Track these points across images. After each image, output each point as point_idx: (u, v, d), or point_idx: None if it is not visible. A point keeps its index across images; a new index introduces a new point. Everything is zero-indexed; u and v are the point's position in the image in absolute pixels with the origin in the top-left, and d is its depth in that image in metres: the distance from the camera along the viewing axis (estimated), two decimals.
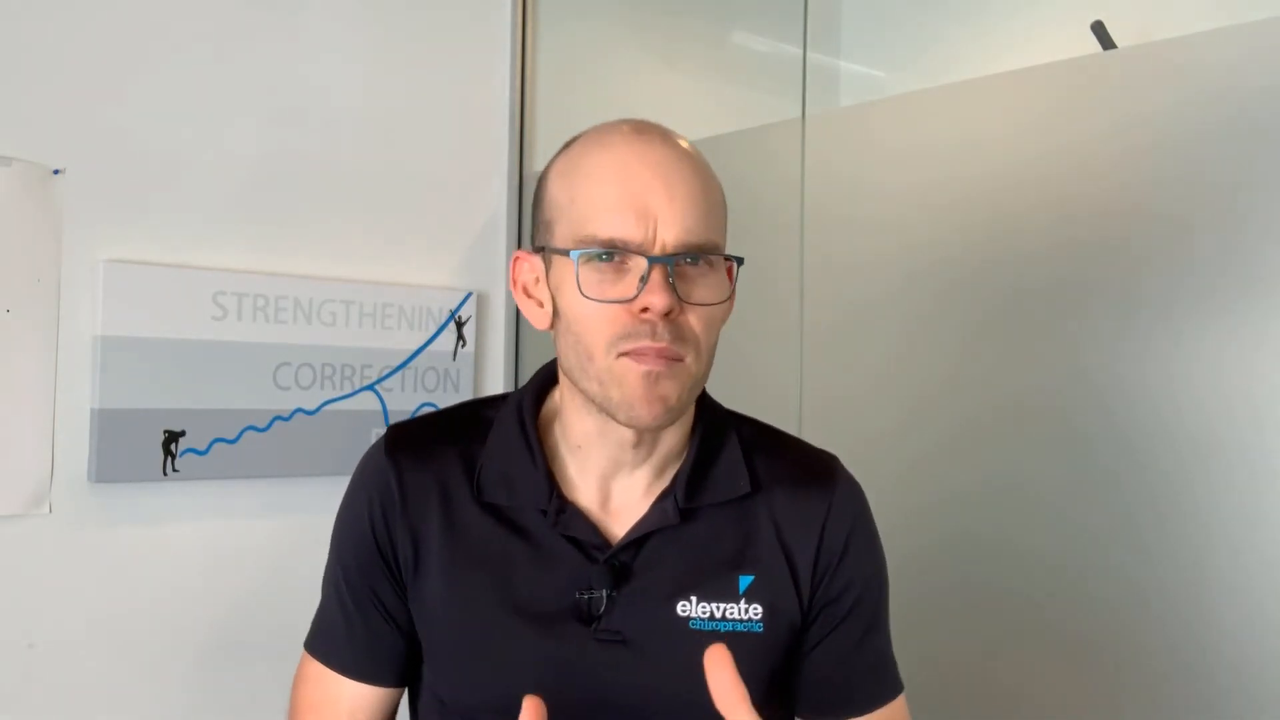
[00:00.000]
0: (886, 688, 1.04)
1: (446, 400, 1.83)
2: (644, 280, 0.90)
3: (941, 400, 1.48)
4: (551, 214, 0.97)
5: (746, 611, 0.98)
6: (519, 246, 1.05)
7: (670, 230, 0.91)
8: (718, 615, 0.98)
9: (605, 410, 0.94)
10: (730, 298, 0.99)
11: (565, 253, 0.93)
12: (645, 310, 0.90)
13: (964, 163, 1.47)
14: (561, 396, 1.02)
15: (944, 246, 1.49)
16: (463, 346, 1.86)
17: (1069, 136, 1.37)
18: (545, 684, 0.97)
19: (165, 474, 1.53)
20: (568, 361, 0.97)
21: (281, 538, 1.67)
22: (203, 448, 1.57)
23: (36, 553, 1.45)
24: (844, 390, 1.59)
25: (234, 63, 1.63)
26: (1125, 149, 1.32)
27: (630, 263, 0.91)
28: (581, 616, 0.97)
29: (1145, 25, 1.75)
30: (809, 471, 1.05)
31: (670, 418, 0.94)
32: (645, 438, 0.98)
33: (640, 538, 0.99)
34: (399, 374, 1.78)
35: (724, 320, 1.00)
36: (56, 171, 1.46)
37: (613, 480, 1.01)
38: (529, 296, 1.01)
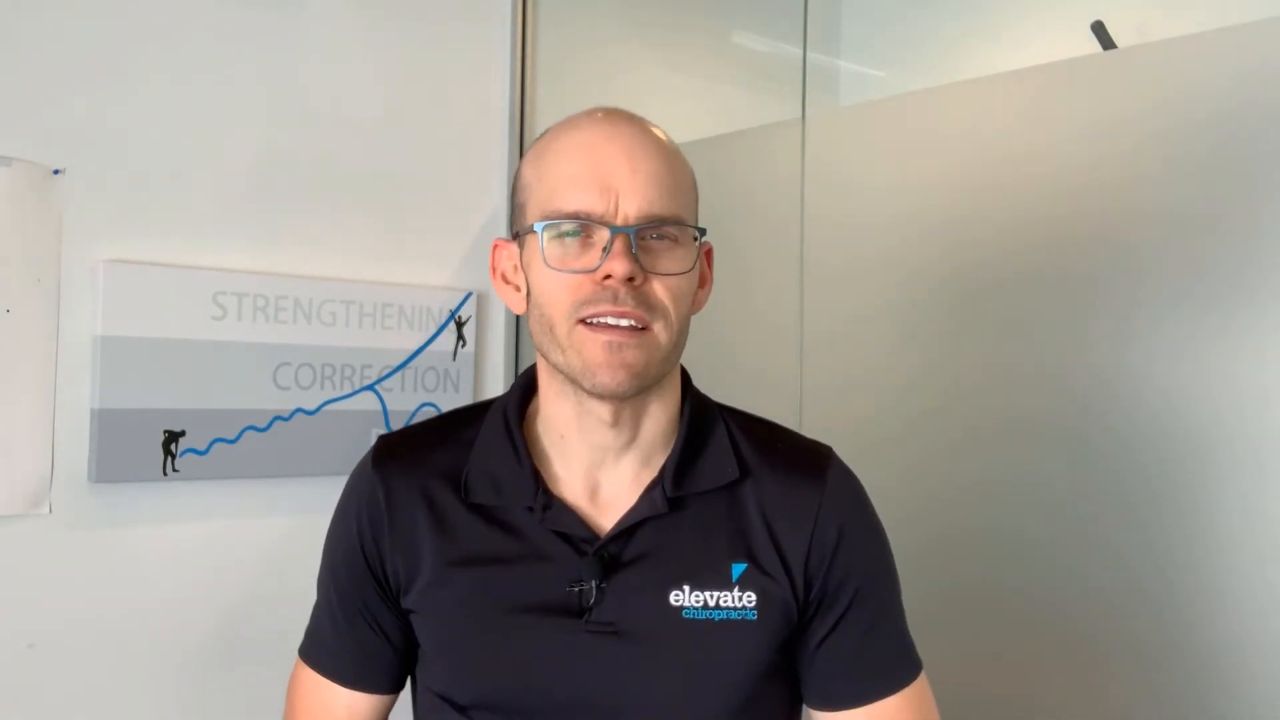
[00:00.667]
0: (902, 672, 1.04)
1: (446, 400, 1.83)
2: (606, 250, 0.93)
3: (942, 399, 1.48)
4: (523, 196, 1.00)
5: (740, 600, 0.98)
6: (509, 222, 1.06)
7: (632, 202, 0.94)
8: (711, 604, 0.98)
9: (574, 380, 0.96)
10: (701, 277, 1.01)
11: (533, 229, 0.96)
12: (608, 278, 0.92)
13: (964, 162, 1.48)
14: (540, 384, 1.03)
15: (944, 246, 1.49)
16: (463, 346, 1.86)
17: (1069, 136, 1.37)
18: (539, 678, 0.98)
19: (165, 474, 1.53)
20: (537, 337, 0.99)
21: (281, 538, 1.67)
22: (203, 448, 1.57)
23: (36, 553, 1.45)
24: (844, 389, 1.59)
25: (234, 63, 1.63)
26: (1125, 148, 1.32)
27: (595, 236, 0.94)
28: (573, 610, 0.98)
29: (1145, 25, 1.75)
30: (801, 461, 1.05)
31: (637, 384, 0.95)
32: (623, 418, 0.99)
33: (629, 528, 0.99)
34: (399, 374, 1.78)
35: (698, 301, 1.02)
36: (56, 171, 1.46)
37: (599, 471, 1.01)
38: (507, 283, 1.04)
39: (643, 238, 0.94)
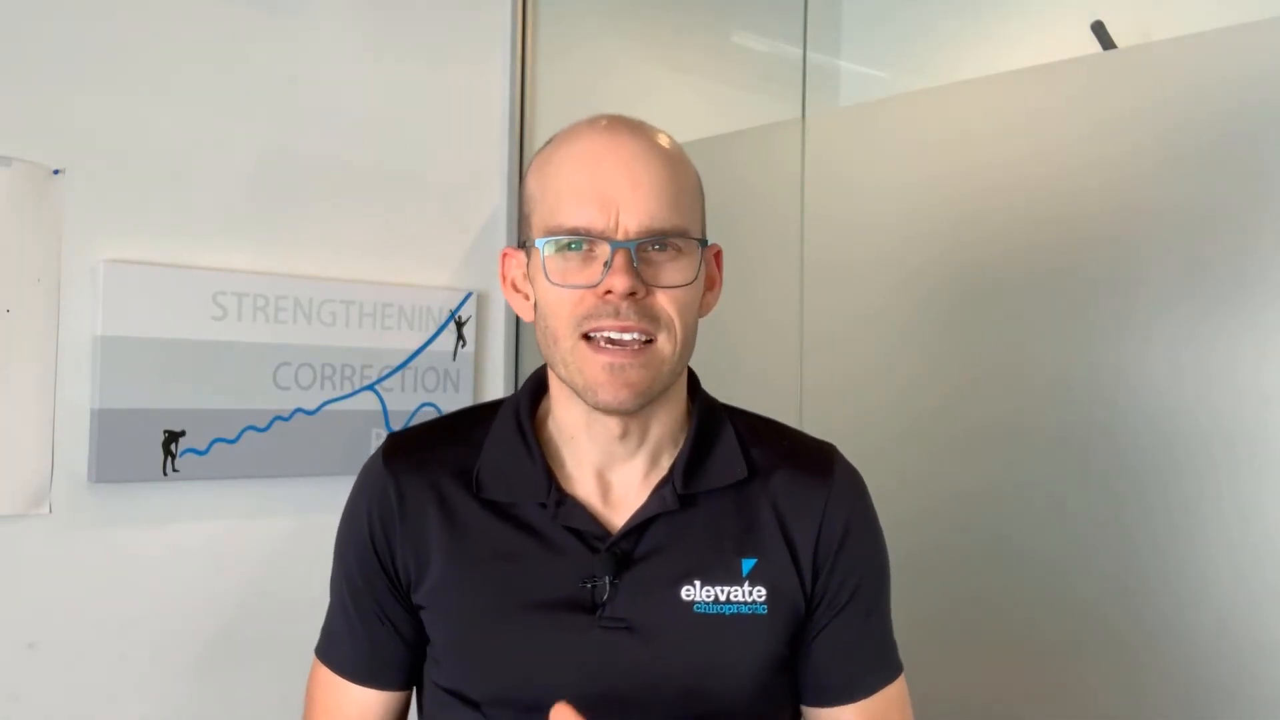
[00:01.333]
0: (887, 671, 1.05)
1: (446, 400, 1.83)
2: (608, 265, 0.93)
3: (941, 399, 1.48)
4: (528, 207, 1.01)
5: (750, 594, 0.99)
6: (518, 230, 1.07)
7: (633, 217, 0.94)
8: (722, 599, 0.99)
9: (578, 394, 0.97)
10: (709, 279, 1.02)
11: (536, 244, 0.97)
12: (609, 293, 0.93)
13: (964, 162, 1.48)
14: (551, 388, 1.05)
15: (944, 246, 1.49)
16: (463, 346, 1.86)
17: (1069, 136, 1.37)
18: (552, 674, 0.98)
19: (165, 474, 1.53)
20: (544, 349, 1.00)
21: (282, 538, 1.67)
22: (203, 448, 1.57)
23: (36, 553, 1.45)
24: (844, 390, 1.59)
25: (234, 63, 1.63)
26: (1125, 149, 1.32)
27: (597, 250, 0.94)
28: (586, 606, 0.98)
29: (1145, 25, 1.75)
30: (807, 459, 1.06)
31: (640, 401, 0.96)
32: (632, 427, 1.00)
33: (640, 525, 1.00)
34: (399, 374, 1.78)
35: (706, 304, 1.03)
36: (56, 171, 1.46)
37: (609, 472, 1.02)
38: (516, 291, 1.05)
39: (643, 250, 0.94)
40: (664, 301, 0.95)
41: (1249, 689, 1.20)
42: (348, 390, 1.72)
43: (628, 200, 0.94)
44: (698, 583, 0.99)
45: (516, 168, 1.94)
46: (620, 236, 0.93)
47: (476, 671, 1.01)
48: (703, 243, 0.99)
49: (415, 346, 1.80)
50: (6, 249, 1.42)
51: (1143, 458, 1.28)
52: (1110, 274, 1.32)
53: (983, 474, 1.43)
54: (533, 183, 1.01)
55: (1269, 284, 1.19)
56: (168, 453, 1.53)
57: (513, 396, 1.09)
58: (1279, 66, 1.20)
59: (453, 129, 1.88)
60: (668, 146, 1.00)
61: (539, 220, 0.98)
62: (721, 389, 1.10)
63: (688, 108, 2.25)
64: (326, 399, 1.69)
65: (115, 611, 1.51)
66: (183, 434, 1.55)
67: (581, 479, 1.02)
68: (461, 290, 1.86)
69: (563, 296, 0.95)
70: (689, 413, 1.05)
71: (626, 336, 0.93)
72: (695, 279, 0.97)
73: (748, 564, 1.00)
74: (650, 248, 0.95)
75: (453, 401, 1.84)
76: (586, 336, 0.94)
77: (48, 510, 1.46)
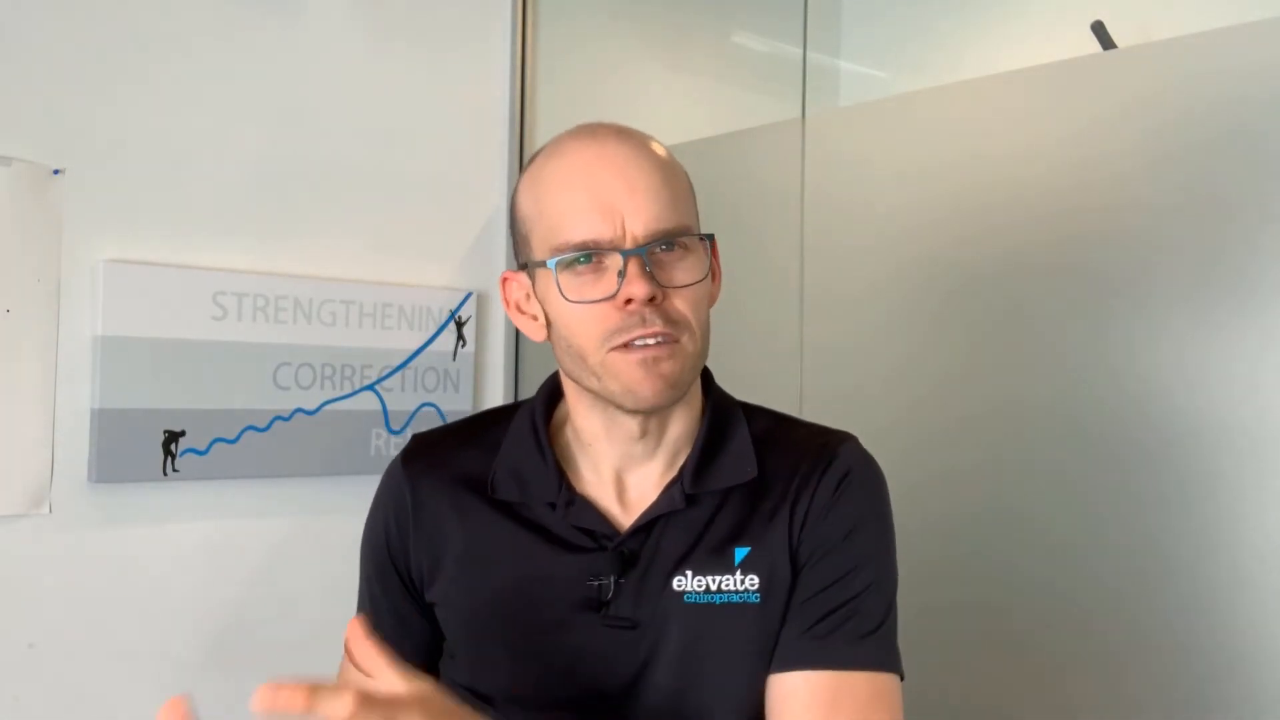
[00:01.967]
0: (860, 655, 0.96)
1: (446, 400, 1.83)
2: (622, 274, 0.93)
3: (941, 400, 1.48)
4: (525, 229, 1.01)
5: (743, 582, 0.99)
6: (514, 251, 1.07)
7: (638, 222, 0.94)
8: (712, 587, 0.99)
9: (610, 402, 0.97)
10: (715, 275, 1.02)
11: (544, 264, 0.97)
12: (629, 302, 0.93)
13: (964, 162, 1.48)
14: (568, 398, 1.05)
15: (944, 246, 1.49)
16: (463, 346, 1.86)
17: (1069, 136, 1.37)
18: (560, 673, 0.99)
19: (165, 474, 1.53)
20: (566, 366, 1.00)
21: (281, 538, 1.67)
22: (203, 448, 1.57)
23: (36, 553, 1.45)
24: (844, 389, 1.59)
25: (234, 63, 1.63)
26: (1125, 148, 1.32)
27: (607, 261, 0.94)
28: (593, 604, 0.99)
29: (1145, 25, 1.75)
30: (817, 448, 1.04)
31: (675, 395, 0.96)
32: (651, 427, 1.01)
33: (647, 524, 1.00)
34: (399, 374, 1.78)
35: (714, 297, 1.03)
36: (56, 171, 1.46)
37: (627, 474, 1.03)
38: (522, 313, 1.05)
39: (653, 253, 0.94)
40: (680, 303, 0.95)
41: (1250, 688, 1.20)
42: (348, 390, 1.72)
43: (629, 206, 0.94)
44: (689, 573, 0.99)
45: (516, 168, 1.94)
46: (629, 244, 0.93)
47: (486, 669, 1.03)
48: (707, 237, 1.00)
49: (415, 346, 1.80)
50: (6, 249, 1.42)
51: (1147, 448, 1.28)
52: (1111, 274, 1.32)
53: (983, 468, 1.43)
54: (526, 203, 1.01)
55: (1269, 283, 1.19)
56: (168, 453, 1.53)
57: (529, 401, 1.10)
58: (1278, 65, 1.20)
59: (453, 129, 1.88)
60: (655, 148, 1.00)
61: (540, 240, 0.98)
62: (722, 385, 1.11)
63: (688, 108, 2.25)
64: (326, 399, 1.69)
65: (115, 611, 1.51)
66: (183, 434, 1.55)
67: (598, 481, 1.03)
68: (461, 290, 1.86)
69: (583, 313, 0.95)
70: (704, 412, 1.05)
71: (652, 341, 0.94)
72: (705, 276, 0.98)
73: (740, 552, 0.99)
74: (659, 249, 0.95)
75: (452, 401, 1.84)
76: (617, 348, 0.94)
77: (48, 510, 1.46)
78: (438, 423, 1.78)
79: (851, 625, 0.98)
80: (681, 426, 1.03)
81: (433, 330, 1.82)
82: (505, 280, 1.06)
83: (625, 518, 1.02)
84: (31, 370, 1.44)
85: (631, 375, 0.94)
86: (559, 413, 1.08)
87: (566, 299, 0.95)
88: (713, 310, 1.05)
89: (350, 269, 1.74)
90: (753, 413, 1.08)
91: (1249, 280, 1.21)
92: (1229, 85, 1.24)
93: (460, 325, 1.86)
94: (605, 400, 0.97)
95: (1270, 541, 1.18)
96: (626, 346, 0.94)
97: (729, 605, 0.98)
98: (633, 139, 0.99)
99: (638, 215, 0.94)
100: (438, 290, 1.83)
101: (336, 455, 1.69)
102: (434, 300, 1.82)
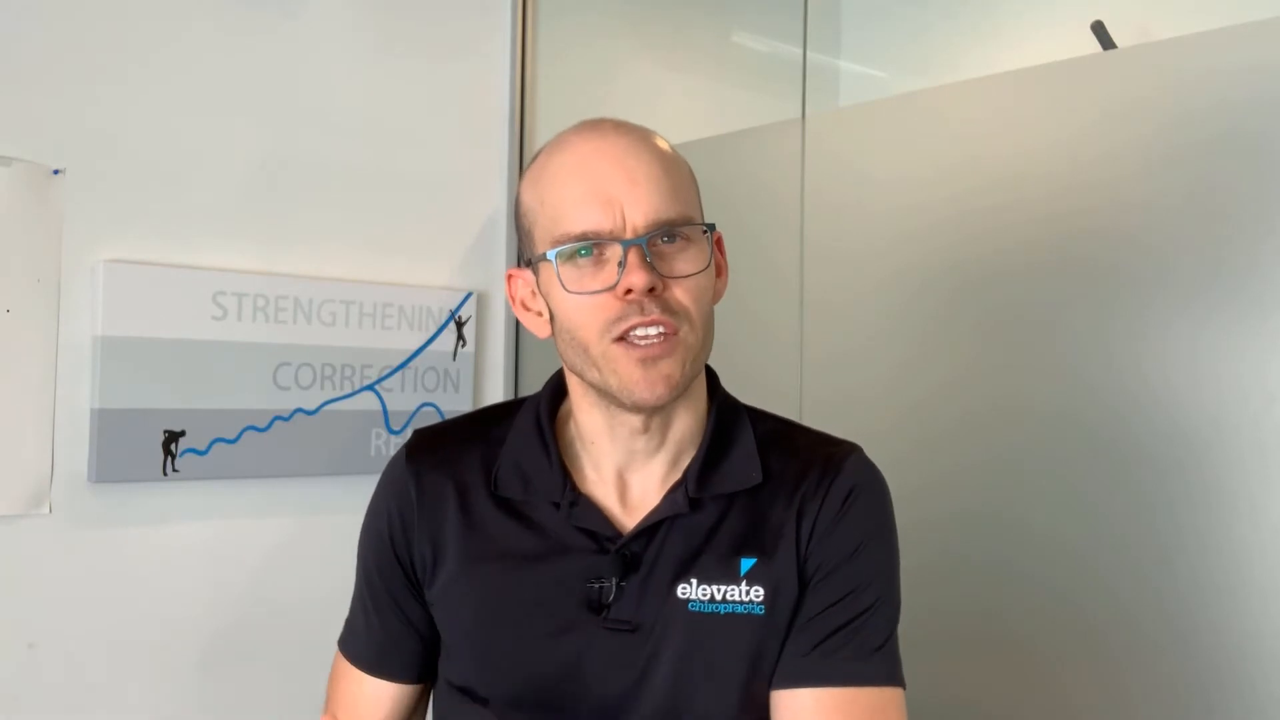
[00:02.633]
0: (866, 671, 0.97)
1: (446, 400, 1.83)
2: (622, 265, 0.93)
3: (941, 400, 1.48)
4: (528, 223, 1.01)
5: (748, 594, 0.98)
6: (519, 247, 1.07)
7: (638, 212, 0.94)
8: (718, 597, 0.98)
9: (609, 396, 0.97)
10: (716, 267, 1.01)
11: (545, 256, 0.96)
12: (629, 292, 0.93)
13: (964, 162, 1.48)
14: (572, 395, 1.05)
15: (944, 246, 1.49)
16: (463, 346, 1.86)
17: (1068, 136, 1.37)
18: (557, 673, 0.99)
19: (165, 474, 1.53)
20: (568, 358, 1.00)
21: (281, 538, 1.67)
22: (203, 448, 1.57)
23: (36, 553, 1.45)
24: (844, 389, 1.59)
25: (234, 63, 1.63)
26: (1124, 148, 1.32)
27: (607, 252, 0.94)
28: (593, 606, 0.99)
29: (1145, 25, 1.75)
30: (824, 460, 1.03)
31: (674, 394, 0.96)
32: (653, 425, 1.00)
33: (651, 527, 1.00)
34: (399, 374, 1.78)
35: (717, 291, 1.02)
36: (56, 171, 1.46)
37: (629, 473, 1.03)
38: (528, 310, 1.05)
39: (654, 244, 0.94)
40: (680, 294, 0.95)
41: (1249, 687, 1.20)
42: (348, 390, 1.72)
43: (629, 197, 0.94)
44: (694, 581, 0.99)
45: (516, 168, 1.94)
46: (629, 234, 0.93)
47: (485, 670, 1.02)
48: (709, 229, 0.99)
49: (415, 346, 1.80)
50: (6, 249, 1.42)
51: (1148, 448, 1.28)
52: (1111, 274, 1.32)
53: (984, 468, 1.43)
54: (528, 198, 1.01)
55: (1269, 283, 1.19)
56: (168, 453, 1.53)
57: (534, 397, 1.09)
58: (1278, 65, 1.20)
59: (453, 129, 1.88)
60: (657, 141, 1.00)
61: (542, 233, 0.98)
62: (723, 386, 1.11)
63: (688, 108, 2.25)
64: (326, 399, 1.69)
65: (115, 611, 1.51)
66: (183, 434, 1.55)
67: (599, 480, 1.03)
68: (461, 290, 1.86)
69: (584, 304, 0.95)
70: (709, 414, 1.04)
71: (652, 331, 0.93)
72: (708, 266, 0.98)
73: (747, 563, 0.99)
74: (660, 240, 0.95)
75: (452, 401, 1.84)
76: (617, 340, 0.94)
77: (48, 510, 1.46)
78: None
79: (859, 641, 0.99)
80: (685, 426, 1.02)
81: (433, 330, 1.82)
82: (510, 277, 1.05)
83: (626, 518, 1.02)
84: (31, 370, 1.44)
85: (630, 373, 0.94)
86: (562, 410, 1.08)
87: (567, 290, 0.95)
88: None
89: (350, 269, 1.74)
90: (757, 416, 1.08)
91: (1250, 280, 1.21)
92: (1229, 85, 1.24)
93: (460, 325, 1.86)
94: (606, 396, 0.97)
95: (1275, 544, 1.18)
96: (626, 340, 0.93)
97: (733, 616, 0.98)
98: (633, 131, 0.99)
99: (637, 206, 0.94)
100: (438, 290, 1.83)
101: (336, 455, 1.69)
102: (434, 300, 1.82)
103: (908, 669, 1.02)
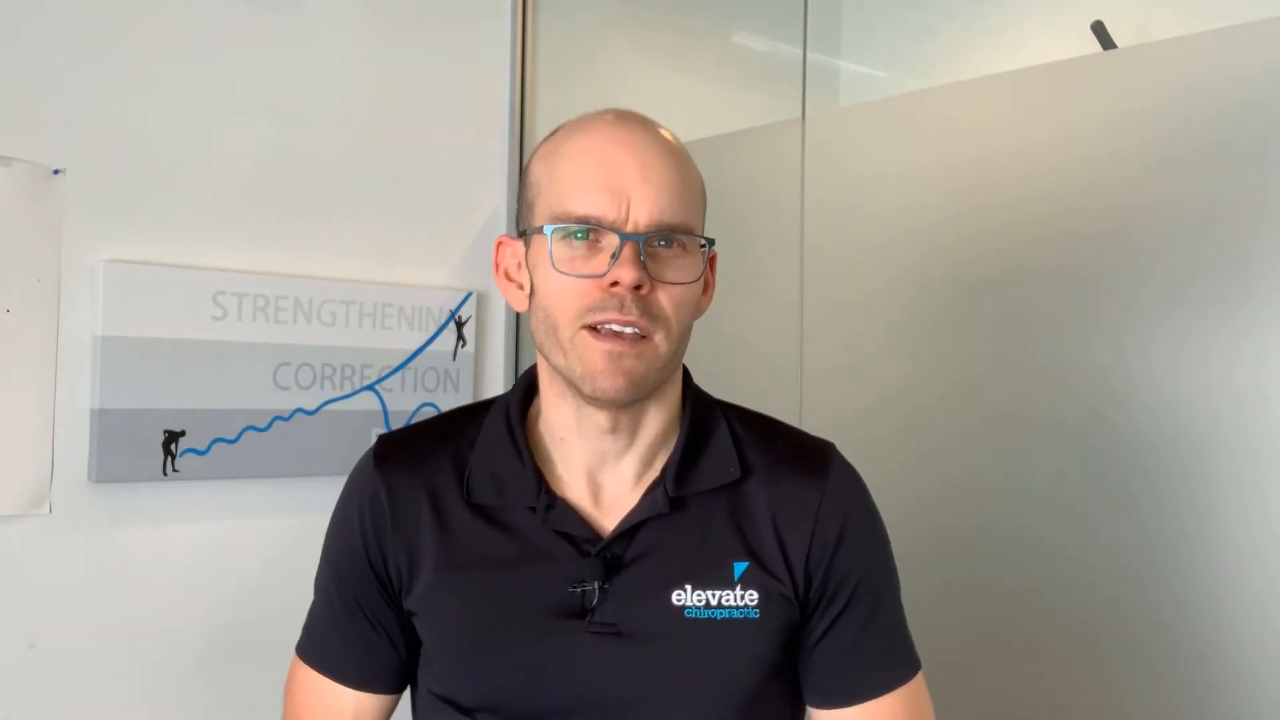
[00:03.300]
0: (896, 671, 1.03)
1: (446, 400, 1.83)
2: (615, 256, 0.92)
3: (940, 400, 1.48)
4: (532, 194, 1.00)
5: (742, 598, 0.98)
6: (516, 217, 1.06)
7: (643, 209, 0.93)
8: (713, 603, 0.98)
9: (572, 384, 0.96)
10: (704, 283, 1.01)
11: (541, 230, 0.96)
12: (615, 285, 0.92)
13: (964, 162, 1.48)
14: (541, 386, 1.03)
15: (944, 245, 1.49)
16: (463, 346, 1.86)
17: (1069, 136, 1.37)
18: (541, 680, 0.98)
19: (165, 474, 1.53)
20: (538, 337, 0.99)
21: (281, 538, 1.67)
22: (203, 448, 1.57)
23: (36, 553, 1.45)
24: (844, 388, 1.59)
25: (234, 63, 1.63)
26: (1124, 148, 1.32)
27: (603, 241, 0.94)
28: (575, 611, 0.97)
29: (1145, 25, 1.75)
30: (802, 458, 1.04)
31: (635, 393, 0.95)
32: (622, 424, 0.99)
33: (631, 529, 0.99)
34: (399, 374, 1.78)
35: (700, 306, 1.01)
36: (56, 171, 1.46)
37: (600, 473, 1.01)
38: (510, 280, 1.04)
39: (651, 245, 0.94)
40: (664, 299, 0.94)
41: (1250, 687, 1.20)
42: (348, 390, 1.72)
43: (639, 192, 0.93)
44: (689, 586, 0.98)
45: (516, 168, 1.94)
46: (629, 228, 0.93)
47: (467, 678, 1.00)
48: (707, 244, 0.99)
49: (415, 346, 1.80)
50: (6, 249, 1.42)
51: (1144, 452, 1.28)
52: (1110, 273, 1.32)
53: (981, 470, 1.43)
54: (539, 169, 1.00)
55: (1269, 283, 1.19)
56: (168, 453, 1.53)
57: (503, 396, 1.08)
58: (1278, 66, 1.20)
59: (453, 129, 1.88)
60: (676, 145, 1.00)
61: (544, 207, 0.97)
62: (721, 388, 1.10)
63: (688, 108, 2.25)
64: (326, 399, 1.69)
65: (115, 611, 1.51)
66: (183, 434, 1.55)
67: (572, 481, 1.01)
68: (461, 290, 1.86)
69: (567, 285, 0.94)
70: (682, 412, 1.04)
71: (626, 330, 0.93)
72: (698, 279, 0.97)
73: (739, 567, 0.99)
74: (657, 243, 0.94)
75: (453, 401, 1.84)
76: (587, 328, 0.93)
77: (48, 510, 1.46)
78: None
79: (887, 649, 1.03)
80: (657, 426, 1.01)
81: (433, 330, 1.82)
82: (500, 244, 1.05)
83: (603, 520, 1.00)
84: (31, 370, 1.44)
85: (595, 363, 0.93)
86: (532, 410, 1.06)
87: (556, 268, 0.94)
88: (713, 307, 1.05)
89: (350, 269, 1.74)
90: (730, 411, 1.07)
91: (1251, 283, 1.21)
92: (1229, 85, 1.24)
93: (460, 325, 1.86)
94: (571, 386, 0.96)
95: (1270, 547, 1.18)
96: (597, 330, 0.93)
97: (730, 621, 0.98)
98: (656, 130, 0.99)
99: (644, 203, 0.93)
100: (438, 290, 1.83)
101: (336, 455, 1.69)
102: (434, 300, 1.82)
103: None
